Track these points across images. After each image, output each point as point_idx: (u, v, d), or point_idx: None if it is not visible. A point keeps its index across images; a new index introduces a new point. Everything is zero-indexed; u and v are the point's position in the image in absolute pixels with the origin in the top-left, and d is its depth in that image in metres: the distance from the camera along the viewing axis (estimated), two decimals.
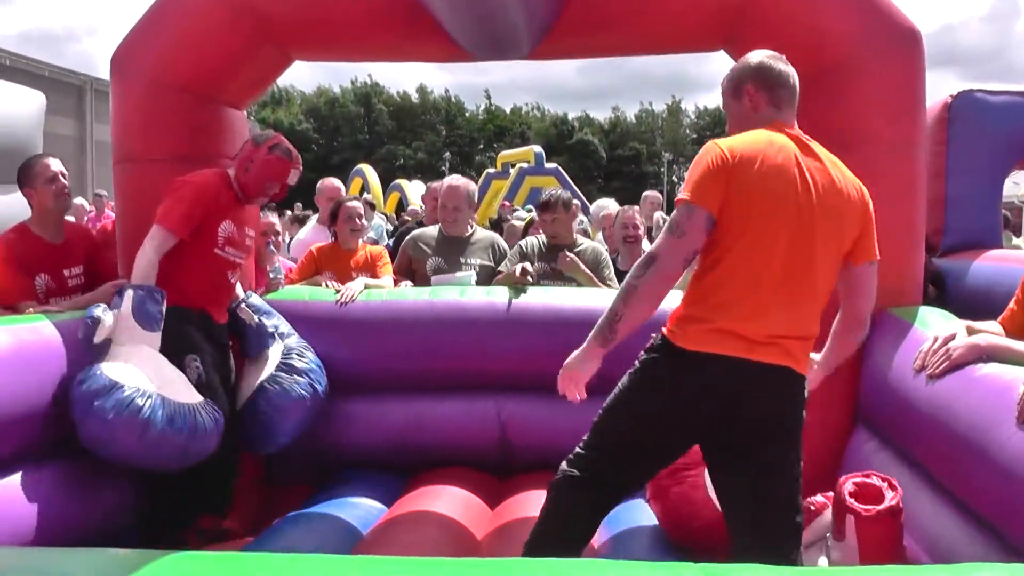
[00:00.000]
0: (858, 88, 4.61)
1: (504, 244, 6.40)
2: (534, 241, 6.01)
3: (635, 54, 5.55)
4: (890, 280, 4.52)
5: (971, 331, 3.54)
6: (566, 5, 4.87)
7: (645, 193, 11.68)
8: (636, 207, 7.67)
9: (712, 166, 3.17)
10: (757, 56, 3.43)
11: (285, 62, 5.58)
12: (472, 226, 6.30)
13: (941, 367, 3.47)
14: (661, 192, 16.95)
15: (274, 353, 4.93)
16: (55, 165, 4.82)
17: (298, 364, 4.93)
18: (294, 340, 5.06)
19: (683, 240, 3.17)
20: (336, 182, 8.52)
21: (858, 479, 3.45)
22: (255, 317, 4.97)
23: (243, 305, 4.97)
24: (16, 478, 3.86)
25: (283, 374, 4.86)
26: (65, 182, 4.84)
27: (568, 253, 5.69)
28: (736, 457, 3.23)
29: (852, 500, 3.37)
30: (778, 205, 3.14)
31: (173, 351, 4.41)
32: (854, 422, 4.58)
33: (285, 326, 5.10)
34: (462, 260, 5.96)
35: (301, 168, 4.93)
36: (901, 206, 4.66)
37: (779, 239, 3.12)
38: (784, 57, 3.42)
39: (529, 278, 5.50)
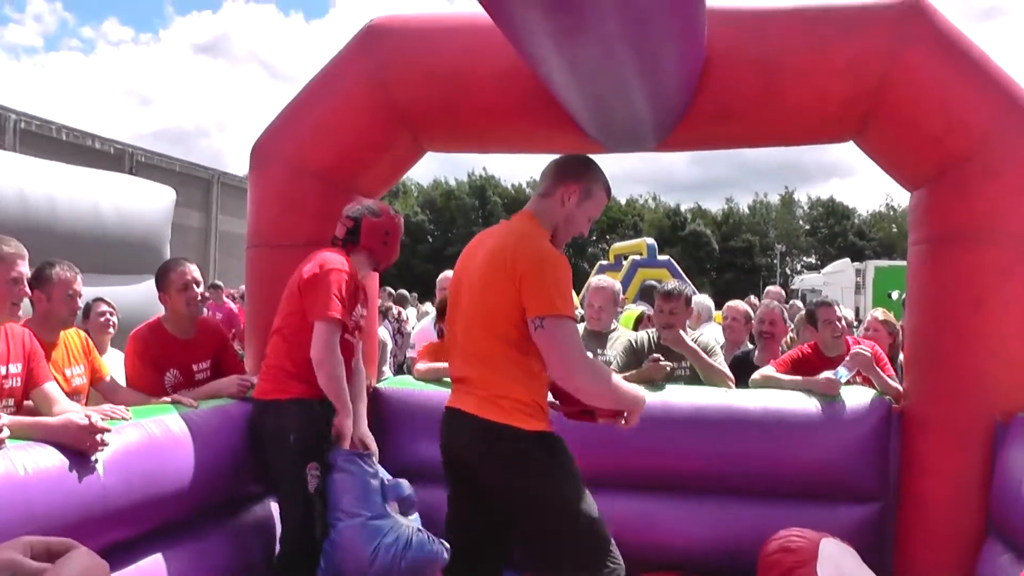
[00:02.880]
0: (990, 180, 4.50)
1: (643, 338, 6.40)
2: (644, 336, 5.97)
3: (762, 145, 5.53)
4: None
5: None
6: (694, 98, 4.90)
7: (768, 288, 11.59)
8: (775, 303, 7.56)
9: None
10: None
11: (419, 153, 5.75)
12: (616, 322, 6.48)
13: None
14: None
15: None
16: (190, 273, 4.94)
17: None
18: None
19: None
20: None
21: None
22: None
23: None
24: (151, 559, 3.95)
25: None
26: (198, 290, 4.96)
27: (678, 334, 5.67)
28: None
29: None
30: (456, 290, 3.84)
31: (298, 455, 4.43)
32: (985, 532, 4.41)
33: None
34: (600, 353, 6.03)
35: None
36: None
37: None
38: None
39: (665, 369, 5.45)
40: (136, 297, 9.48)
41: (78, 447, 3.47)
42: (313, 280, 4.47)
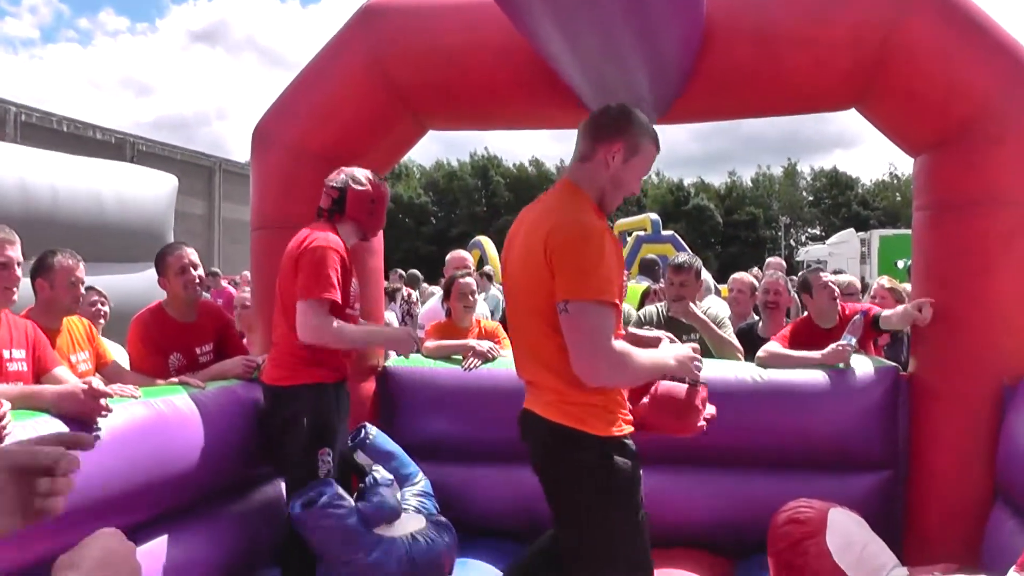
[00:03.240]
0: (994, 145, 4.48)
1: (628, 308, 6.40)
2: (653, 310, 5.97)
3: (763, 115, 5.51)
4: None
5: None
6: (695, 70, 4.89)
7: (769, 260, 11.56)
8: (779, 273, 7.53)
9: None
10: None
11: (420, 132, 5.76)
12: None
13: None
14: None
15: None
16: (187, 257, 4.94)
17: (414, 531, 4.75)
18: (414, 491, 4.96)
19: None
20: (464, 254, 8.57)
21: None
22: (371, 466, 4.87)
23: (360, 451, 4.89)
24: (159, 540, 3.96)
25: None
26: (195, 273, 4.94)
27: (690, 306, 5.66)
28: None
29: None
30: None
31: (309, 441, 4.39)
32: (993, 498, 4.41)
33: (406, 465, 5.04)
34: None
35: None
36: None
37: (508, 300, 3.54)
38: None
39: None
40: (140, 285, 9.49)
41: (81, 414, 3.48)
42: (295, 261, 4.39)
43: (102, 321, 6.28)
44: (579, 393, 3.18)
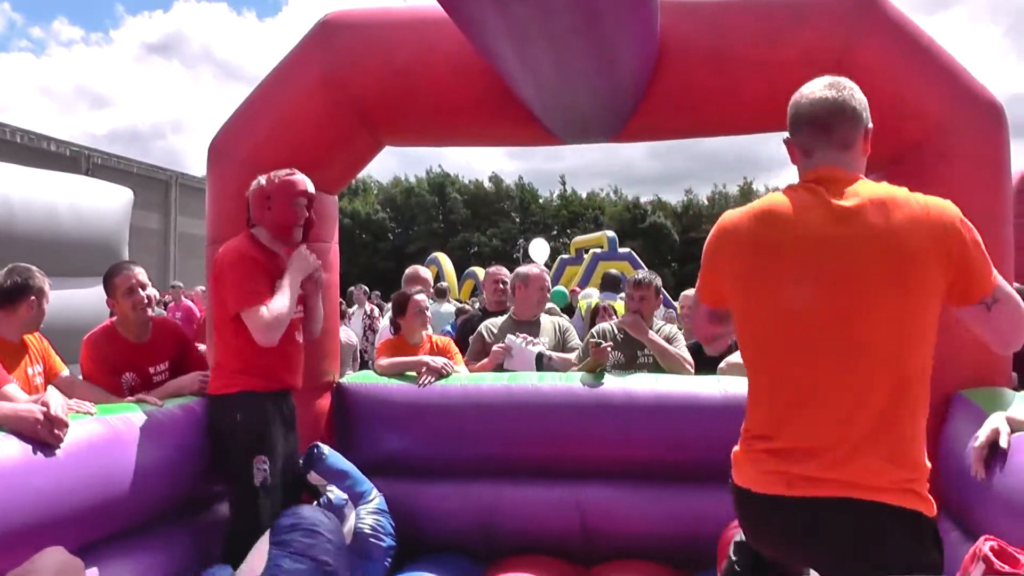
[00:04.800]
0: (943, 164, 4.60)
1: (567, 324, 6.55)
2: (607, 327, 6.01)
3: (718, 135, 5.57)
4: (977, 359, 4.45)
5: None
6: (649, 90, 4.95)
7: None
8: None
9: (705, 249, 2.83)
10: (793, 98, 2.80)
11: (376, 148, 5.78)
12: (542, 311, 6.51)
13: (980, 466, 3.54)
14: None
15: (346, 533, 4.78)
16: (134, 277, 4.87)
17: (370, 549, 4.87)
18: (368, 509, 4.96)
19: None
20: (423, 270, 8.56)
21: (993, 543, 3.30)
22: (325, 486, 4.90)
23: (313, 471, 4.91)
24: (114, 558, 3.93)
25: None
26: (143, 294, 4.86)
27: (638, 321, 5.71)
28: None
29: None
30: (776, 286, 2.58)
31: (244, 449, 4.45)
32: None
33: (360, 483, 5.03)
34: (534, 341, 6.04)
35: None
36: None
37: (784, 323, 2.56)
38: (828, 79, 2.74)
39: (608, 351, 5.46)
40: (95, 299, 9.39)
41: (35, 437, 3.45)
42: (214, 276, 4.56)
43: None
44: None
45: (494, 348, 5.95)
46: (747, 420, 2.72)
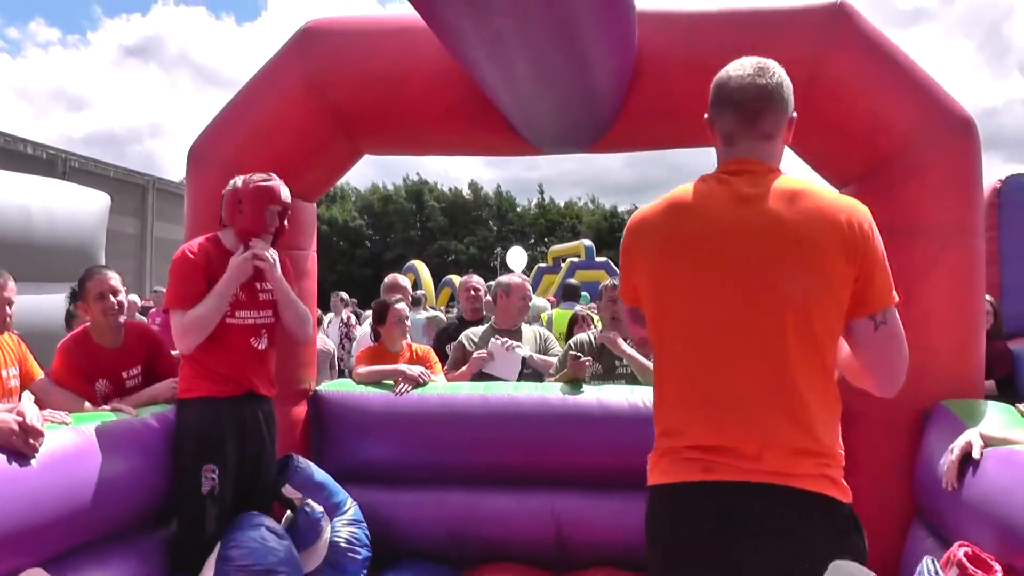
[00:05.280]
0: (915, 177, 4.64)
1: (547, 332, 6.59)
2: (584, 338, 6.02)
3: (694, 145, 5.58)
4: (950, 371, 4.50)
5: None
6: (626, 101, 4.98)
7: None
8: None
9: (620, 246, 2.74)
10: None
11: (356, 155, 5.80)
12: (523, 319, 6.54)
13: (953, 478, 3.63)
14: None
15: (321, 546, 4.82)
16: (105, 283, 4.83)
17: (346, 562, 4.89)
18: (344, 521, 4.97)
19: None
20: (401, 278, 8.56)
21: (968, 549, 3.35)
22: (301, 500, 4.87)
23: (288, 485, 4.86)
24: (89, 568, 3.91)
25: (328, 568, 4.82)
26: (114, 300, 4.81)
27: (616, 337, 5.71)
28: None
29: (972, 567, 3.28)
30: (682, 278, 2.51)
31: (192, 456, 4.44)
32: (911, 517, 4.52)
33: (336, 494, 5.04)
34: (518, 344, 6.08)
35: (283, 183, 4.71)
36: (960, 296, 4.62)
37: (695, 321, 2.49)
38: (756, 61, 2.64)
39: (587, 366, 5.47)
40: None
41: (10, 447, 3.45)
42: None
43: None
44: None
45: (474, 355, 5.97)
46: (659, 422, 2.65)
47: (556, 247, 35.72)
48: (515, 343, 5.99)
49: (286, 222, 4.76)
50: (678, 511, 2.53)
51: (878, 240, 2.47)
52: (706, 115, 2.71)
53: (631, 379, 5.67)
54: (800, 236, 2.40)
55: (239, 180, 4.63)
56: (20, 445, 3.47)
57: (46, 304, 6.52)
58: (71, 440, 3.85)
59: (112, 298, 4.82)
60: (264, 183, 4.59)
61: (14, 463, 3.43)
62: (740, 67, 2.63)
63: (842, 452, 2.49)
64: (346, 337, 13.31)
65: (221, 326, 4.47)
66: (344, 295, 15.45)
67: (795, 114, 2.66)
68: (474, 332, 6.41)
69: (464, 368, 6.02)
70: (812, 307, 2.40)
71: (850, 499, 2.46)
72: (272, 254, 4.59)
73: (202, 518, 4.39)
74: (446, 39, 3.97)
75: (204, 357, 4.48)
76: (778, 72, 2.63)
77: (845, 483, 2.46)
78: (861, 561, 2.38)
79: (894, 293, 2.49)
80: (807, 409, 2.40)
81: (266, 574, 4.24)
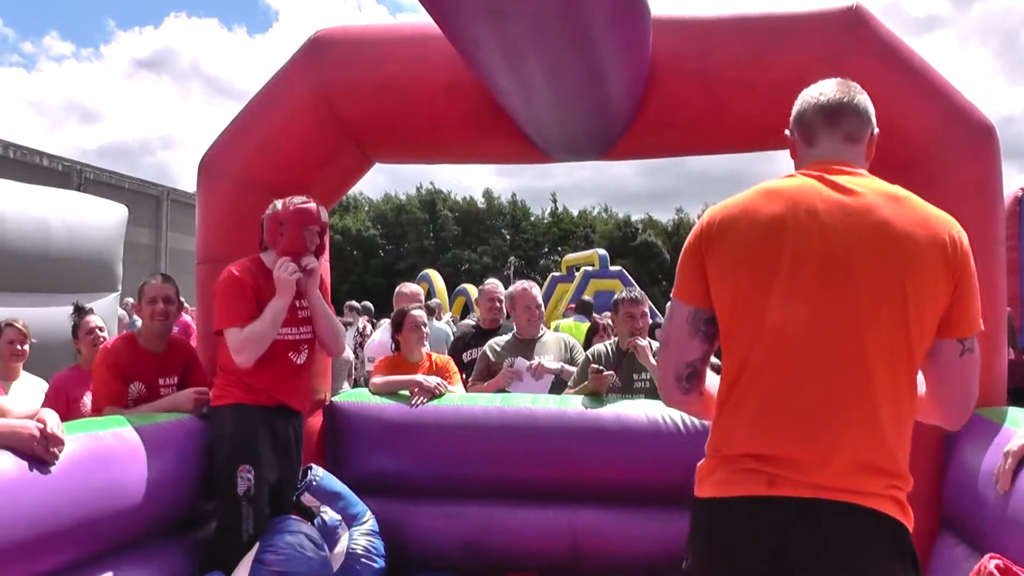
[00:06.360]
0: (935, 185, 4.55)
1: (573, 341, 6.52)
2: (602, 348, 5.94)
3: (708, 153, 5.57)
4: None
5: None
6: (639, 109, 4.96)
7: None
8: None
9: (689, 244, 2.52)
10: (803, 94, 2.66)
11: (367, 165, 5.77)
12: (543, 328, 6.48)
13: (1007, 483, 3.46)
14: None
15: (338, 555, 4.83)
16: (157, 290, 4.97)
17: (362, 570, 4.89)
18: (362, 531, 4.98)
19: (668, 352, 2.59)
20: (415, 287, 8.53)
21: (999, 561, 3.28)
22: (319, 508, 4.94)
23: (307, 493, 4.95)
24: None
25: None
26: (164, 305, 4.95)
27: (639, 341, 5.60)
28: None
29: None
30: (772, 273, 2.34)
31: (228, 459, 4.54)
32: (939, 527, 4.46)
33: (354, 505, 5.06)
34: (535, 359, 6.03)
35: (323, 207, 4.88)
36: (981, 307, 4.58)
37: (779, 318, 2.32)
38: (838, 80, 2.61)
39: (608, 380, 5.42)
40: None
41: (31, 454, 3.45)
42: (212, 293, 4.74)
43: (20, 359, 6.11)
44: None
45: (504, 370, 5.93)
46: (719, 428, 2.47)
47: (570, 256, 35.68)
48: (546, 368, 5.93)
49: (326, 239, 4.94)
50: (736, 527, 2.34)
51: (972, 258, 2.38)
52: (786, 131, 2.67)
53: (650, 393, 5.57)
54: (906, 241, 2.29)
55: (279, 203, 4.76)
56: (41, 452, 3.47)
57: (62, 316, 6.50)
58: (89, 446, 3.84)
59: (162, 304, 4.95)
60: (303, 205, 4.73)
61: (35, 470, 3.42)
62: (822, 83, 2.61)
63: (910, 476, 2.34)
64: (360, 346, 13.29)
65: (276, 342, 4.63)
66: (357, 304, 15.45)
67: (877, 130, 2.59)
68: (497, 342, 6.34)
69: (491, 381, 5.98)
70: (911, 315, 2.28)
71: (912, 527, 2.31)
72: (317, 264, 4.77)
73: (238, 519, 4.49)
74: (460, 45, 3.95)
75: (242, 370, 4.58)
76: (858, 88, 2.59)
77: (910, 510, 2.33)
78: None
79: (980, 321, 2.41)
80: (885, 424, 2.27)
81: None
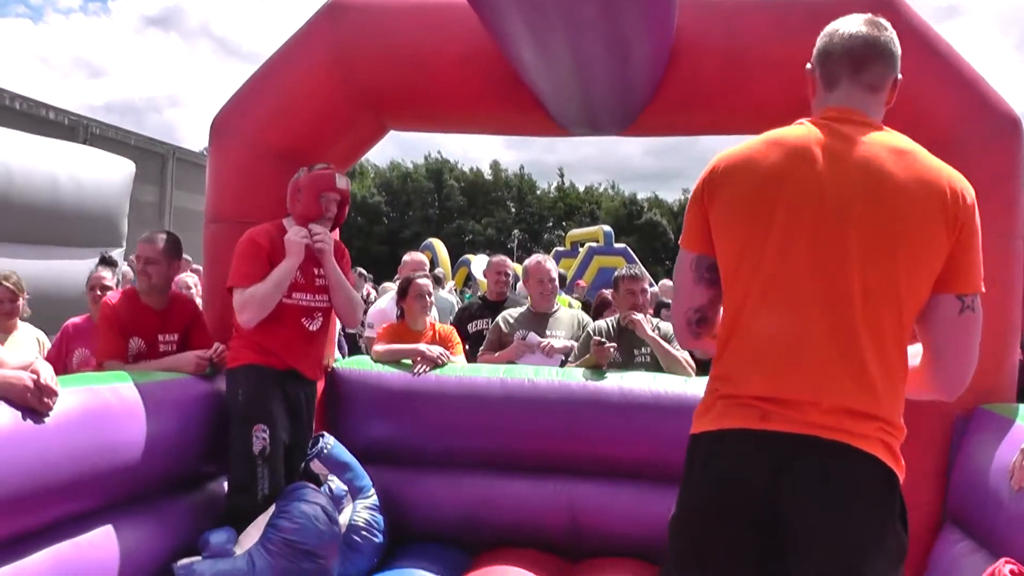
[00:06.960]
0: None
1: (587, 318, 6.49)
2: (603, 324, 5.93)
3: (728, 133, 5.50)
4: (985, 376, 4.41)
5: None
6: (661, 86, 4.91)
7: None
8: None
9: (695, 192, 2.58)
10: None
11: (381, 132, 5.72)
12: (557, 303, 6.45)
13: (1022, 479, 3.40)
14: None
15: (341, 524, 4.78)
16: (140, 249, 5.02)
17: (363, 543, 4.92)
18: (366, 504, 5.02)
19: (678, 299, 2.67)
20: (421, 256, 8.50)
21: (1014, 566, 3.22)
22: (327, 476, 4.97)
23: (316, 460, 4.98)
24: (102, 530, 3.89)
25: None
26: (142, 265, 4.98)
27: (636, 316, 5.61)
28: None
29: None
30: (769, 220, 2.37)
31: (242, 419, 4.59)
32: (941, 521, 4.43)
33: (361, 477, 5.09)
34: (548, 333, 6.03)
35: (344, 175, 4.99)
36: (996, 300, 4.53)
37: (775, 265, 2.36)
38: (868, 16, 2.54)
39: (610, 352, 5.41)
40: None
41: (24, 404, 3.43)
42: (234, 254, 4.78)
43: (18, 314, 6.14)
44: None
45: (516, 341, 5.93)
46: (718, 367, 2.50)
47: (575, 231, 35.68)
48: (558, 347, 5.90)
49: (346, 209, 5.06)
50: (730, 458, 2.36)
51: (978, 219, 2.38)
52: (808, 65, 2.63)
53: (652, 366, 5.58)
54: (903, 192, 2.30)
55: (304, 170, 4.85)
56: (35, 403, 3.44)
57: (72, 269, 6.47)
58: (86, 401, 3.82)
59: (142, 264, 4.99)
60: (321, 171, 4.84)
61: (28, 420, 3.39)
62: (850, 19, 2.54)
63: (904, 428, 2.36)
64: (363, 313, 13.28)
65: (279, 307, 4.67)
66: (362, 270, 15.44)
67: (900, 76, 2.55)
68: (511, 314, 6.32)
69: (503, 352, 5.96)
70: (901, 267, 2.29)
71: (903, 478, 2.32)
72: (327, 238, 4.77)
73: (254, 478, 4.55)
74: (485, 14, 3.90)
75: (255, 332, 4.66)
76: (888, 27, 2.53)
77: (903, 460, 2.33)
78: (900, 558, 2.31)
79: (982, 282, 2.41)
80: (871, 367, 2.28)
81: (305, 555, 4.29)
